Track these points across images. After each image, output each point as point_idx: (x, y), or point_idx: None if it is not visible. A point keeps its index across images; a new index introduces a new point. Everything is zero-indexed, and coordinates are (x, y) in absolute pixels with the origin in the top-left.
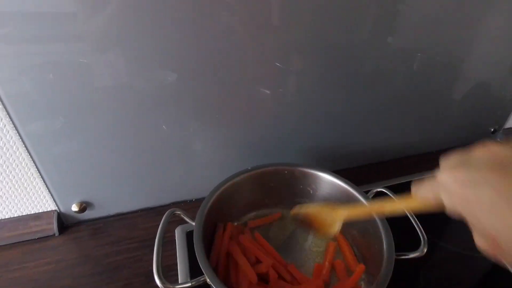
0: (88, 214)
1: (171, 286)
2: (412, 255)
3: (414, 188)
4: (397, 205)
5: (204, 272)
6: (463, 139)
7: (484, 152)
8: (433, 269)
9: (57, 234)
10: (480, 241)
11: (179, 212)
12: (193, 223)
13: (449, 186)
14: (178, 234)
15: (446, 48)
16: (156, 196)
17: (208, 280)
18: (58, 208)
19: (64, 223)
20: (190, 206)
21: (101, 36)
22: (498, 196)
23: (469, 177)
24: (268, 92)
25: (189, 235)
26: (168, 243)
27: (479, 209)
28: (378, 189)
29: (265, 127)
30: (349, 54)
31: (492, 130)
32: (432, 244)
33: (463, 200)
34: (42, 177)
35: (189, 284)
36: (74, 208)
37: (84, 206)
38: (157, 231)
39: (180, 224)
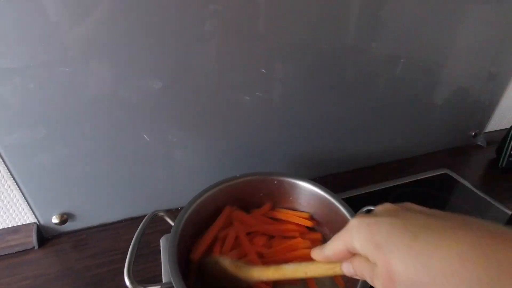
0: (70, 226)
1: (139, 287)
2: None
3: (317, 252)
4: (303, 268)
5: (171, 276)
6: (446, 143)
7: (381, 207)
8: None
9: (36, 247)
10: (378, 280)
11: (162, 214)
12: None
13: (357, 228)
14: (163, 243)
15: (428, 55)
16: (139, 206)
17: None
18: (38, 220)
19: (44, 235)
20: (175, 214)
21: (84, 45)
22: (397, 227)
23: (373, 220)
24: (252, 99)
25: None
26: (153, 253)
27: (383, 240)
28: (369, 208)
29: (248, 135)
30: (332, 61)
31: (473, 134)
32: None
33: (372, 235)
34: (19, 188)
35: (158, 287)
36: (55, 220)
37: (65, 218)
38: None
39: (165, 233)
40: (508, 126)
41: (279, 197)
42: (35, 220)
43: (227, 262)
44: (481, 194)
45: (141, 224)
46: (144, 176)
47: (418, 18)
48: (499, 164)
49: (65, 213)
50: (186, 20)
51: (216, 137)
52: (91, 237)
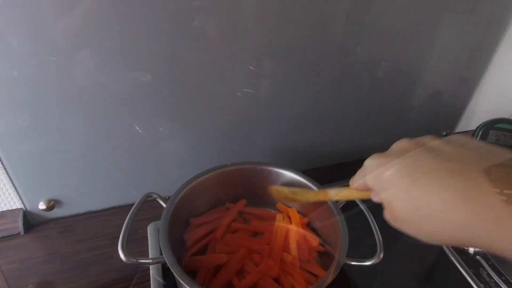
0: (57, 212)
1: (134, 259)
2: (367, 263)
3: (350, 181)
4: (340, 193)
5: (162, 251)
6: None
7: (397, 145)
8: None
9: (22, 233)
10: (385, 214)
11: (155, 196)
12: None
13: (369, 168)
14: (150, 230)
15: (407, 59)
16: (128, 194)
17: (165, 259)
18: (24, 206)
19: (31, 221)
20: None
21: (72, 34)
22: (400, 171)
23: (384, 160)
24: (240, 94)
25: None
26: (141, 239)
27: (387, 182)
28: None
29: (236, 128)
30: (318, 60)
31: (444, 133)
32: (389, 238)
33: (379, 177)
34: (7, 173)
35: (149, 260)
36: (42, 206)
37: (52, 204)
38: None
39: (153, 221)
40: (474, 128)
41: (266, 185)
42: (22, 206)
43: (286, 190)
44: None
45: (135, 204)
46: (134, 165)
47: (399, 24)
48: None
49: (52, 200)
50: (176, 14)
51: (206, 129)
52: (78, 223)
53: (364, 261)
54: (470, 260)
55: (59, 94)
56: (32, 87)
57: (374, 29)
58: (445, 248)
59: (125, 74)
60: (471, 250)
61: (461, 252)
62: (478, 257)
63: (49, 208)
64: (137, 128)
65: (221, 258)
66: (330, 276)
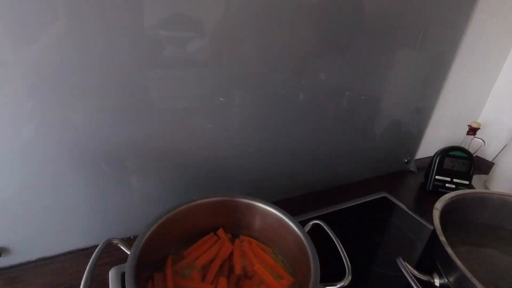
0: (3, 261)
1: None
2: (338, 285)
3: None
4: None
5: None
6: (384, 169)
7: None
8: None
9: None
10: None
11: (116, 242)
12: None
13: None
14: (112, 276)
15: (367, 90)
16: (88, 236)
17: None
18: None
19: None
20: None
21: (32, 65)
22: None
23: None
24: (210, 126)
25: (124, 277)
26: (101, 286)
27: None
28: (315, 222)
29: (205, 161)
30: (285, 92)
31: (406, 160)
32: (362, 268)
33: None
34: None
35: None
36: None
37: None
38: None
39: (115, 265)
40: (432, 154)
41: (234, 217)
42: None
43: None
44: (413, 215)
45: (95, 253)
46: (95, 204)
47: (358, 57)
48: (427, 187)
49: None
50: (143, 45)
51: (174, 164)
52: (29, 273)
53: (335, 285)
54: None
55: (12, 128)
56: None
57: (335, 61)
58: (411, 281)
59: (89, 107)
60: (437, 282)
61: (428, 284)
62: None
63: None
64: (102, 165)
65: None
66: None
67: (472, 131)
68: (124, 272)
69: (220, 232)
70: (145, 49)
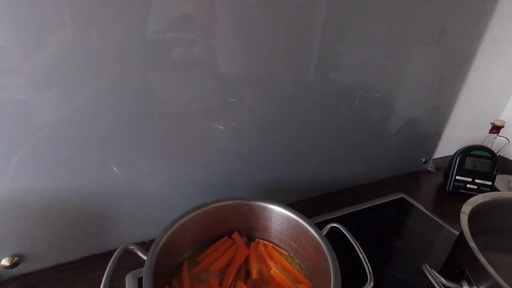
0: (21, 269)
1: None
2: None
3: None
4: None
5: None
6: (401, 170)
7: None
8: None
9: None
10: None
11: (132, 247)
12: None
13: None
14: (129, 281)
15: (381, 87)
16: (104, 241)
17: None
18: None
19: None
20: (145, 248)
21: (42, 73)
22: None
23: None
24: (221, 127)
25: (141, 282)
26: None
27: None
28: (333, 225)
29: (217, 164)
30: (297, 93)
31: (424, 160)
32: (380, 273)
33: None
34: None
35: None
36: (4, 263)
37: (17, 260)
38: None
39: (131, 270)
40: (451, 153)
41: (249, 221)
42: None
43: None
44: (433, 217)
45: (112, 259)
46: (111, 209)
47: (373, 54)
48: (447, 188)
49: (16, 255)
50: (152, 49)
51: (187, 167)
52: (46, 279)
53: None
54: None
55: (26, 136)
56: None
57: (347, 59)
58: (436, 285)
59: (100, 112)
60: None
61: None
62: None
63: (13, 265)
64: (115, 168)
65: None
66: None
67: (496, 129)
68: (141, 277)
69: (235, 235)
70: (152, 52)
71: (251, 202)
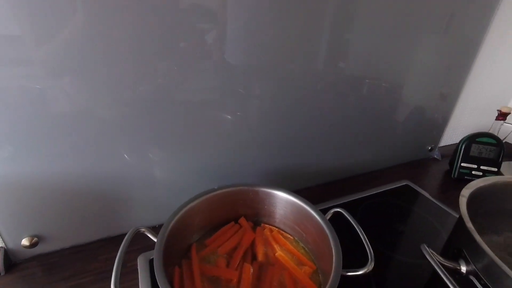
0: (41, 249)
1: None
2: (361, 272)
3: None
4: None
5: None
6: (406, 157)
7: None
8: (382, 279)
9: (3, 273)
10: None
11: (143, 230)
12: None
13: None
14: (141, 262)
15: (388, 76)
16: (117, 225)
17: None
18: (5, 244)
19: (12, 260)
20: (156, 232)
21: (55, 61)
22: None
23: None
24: (229, 117)
25: (152, 263)
26: (130, 273)
27: None
28: (336, 210)
29: (226, 151)
30: (305, 82)
31: (430, 148)
32: (385, 256)
33: None
34: None
35: None
36: (24, 243)
37: (36, 240)
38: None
39: (143, 252)
40: (457, 141)
41: (255, 206)
42: (2, 244)
43: None
44: (438, 203)
45: (124, 240)
46: (123, 195)
47: (379, 43)
48: (452, 175)
49: (35, 235)
50: (164, 40)
51: (196, 155)
52: (64, 259)
53: (357, 271)
54: (463, 280)
55: (42, 123)
56: (14, 116)
57: (355, 48)
58: (436, 267)
59: (112, 101)
60: (464, 269)
61: (453, 271)
62: (471, 276)
63: (33, 244)
64: (127, 156)
65: None
66: None
67: (502, 116)
68: (152, 259)
69: (242, 220)
70: (164, 41)
71: (257, 188)
